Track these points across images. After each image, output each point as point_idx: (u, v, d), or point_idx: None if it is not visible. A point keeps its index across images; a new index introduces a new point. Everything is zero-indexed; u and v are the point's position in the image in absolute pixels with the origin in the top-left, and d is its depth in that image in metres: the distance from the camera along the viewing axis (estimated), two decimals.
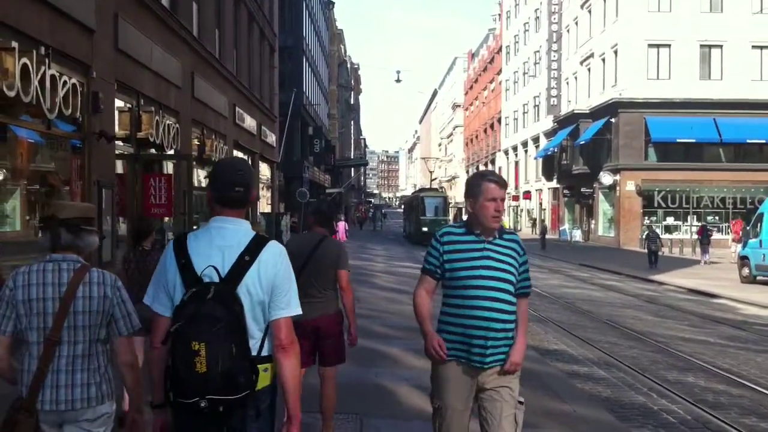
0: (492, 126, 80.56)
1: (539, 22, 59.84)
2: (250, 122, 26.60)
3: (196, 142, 19.33)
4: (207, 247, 3.20)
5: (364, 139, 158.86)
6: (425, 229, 42.09)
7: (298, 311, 3.29)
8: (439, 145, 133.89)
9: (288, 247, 3.83)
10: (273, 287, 3.19)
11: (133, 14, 14.11)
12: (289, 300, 3.25)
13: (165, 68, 16.03)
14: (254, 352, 3.14)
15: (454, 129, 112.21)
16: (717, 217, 42.00)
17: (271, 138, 32.02)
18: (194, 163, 18.47)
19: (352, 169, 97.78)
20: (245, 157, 23.25)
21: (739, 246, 24.31)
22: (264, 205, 31.21)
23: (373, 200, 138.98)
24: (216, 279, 3.10)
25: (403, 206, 73.96)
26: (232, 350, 2.97)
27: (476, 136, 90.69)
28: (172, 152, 16.31)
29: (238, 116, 24.48)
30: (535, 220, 49.08)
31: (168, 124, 15.77)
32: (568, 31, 52.68)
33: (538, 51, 59.46)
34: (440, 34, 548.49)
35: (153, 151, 15.70)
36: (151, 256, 6.82)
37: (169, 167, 16.94)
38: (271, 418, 3.32)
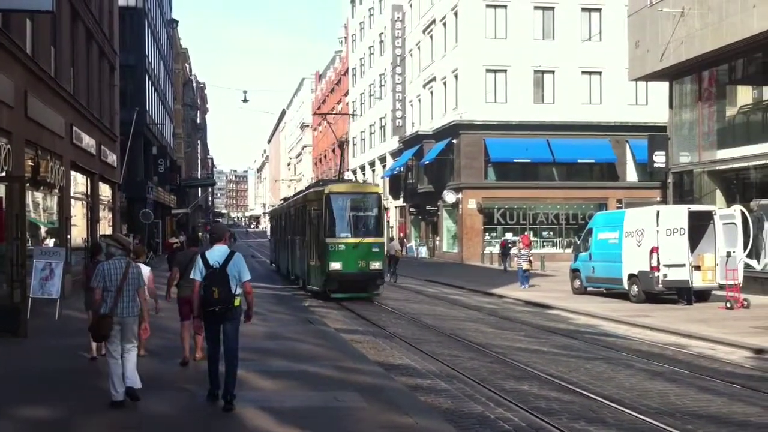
0: (341, 146, 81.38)
1: (384, 45, 61.25)
2: (89, 142, 25.64)
3: (30, 163, 18.45)
4: (213, 255, 8.38)
5: (212, 158, 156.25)
6: (337, 266, 21.79)
7: (249, 277, 8.47)
8: (288, 164, 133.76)
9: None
10: (239, 270, 8.33)
11: None
12: (245, 274, 8.37)
13: None
14: (233, 292, 8.23)
15: (303, 149, 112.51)
16: (551, 233, 44.42)
17: (112, 158, 30.94)
18: (27, 185, 17.61)
19: (199, 189, 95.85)
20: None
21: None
22: (105, 227, 30.05)
23: (221, 220, 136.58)
24: (218, 266, 8.24)
25: (270, 220, 47.92)
26: (226, 290, 8.15)
27: (325, 156, 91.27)
28: (3, 174, 15.50)
29: (75, 136, 23.53)
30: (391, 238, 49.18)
31: None
32: (411, 55, 54.24)
33: (384, 74, 60.81)
34: (287, 55, 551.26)
35: None
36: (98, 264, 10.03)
37: None
38: (238, 325, 8.48)
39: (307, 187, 31.15)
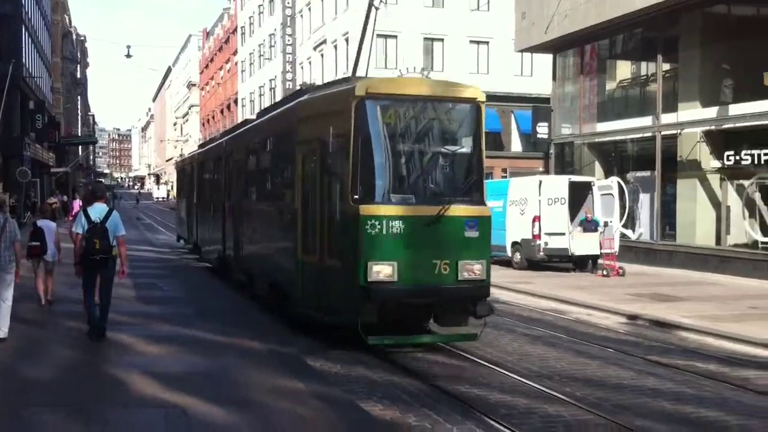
0: (229, 107, 79.84)
1: (273, 5, 60.16)
2: None
3: None
4: (94, 212, 10.04)
5: (93, 115, 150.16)
6: (385, 270, 9.45)
7: (124, 232, 10.35)
8: (174, 124, 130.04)
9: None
10: (115, 225, 10.05)
11: None
12: (120, 229, 10.14)
13: None
14: (111, 244, 9.97)
15: (189, 108, 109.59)
16: None
17: None
18: None
19: (80, 147, 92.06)
20: None
21: None
22: None
23: (103, 180, 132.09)
24: (98, 222, 9.91)
25: (179, 174, 30.14)
26: (106, 242, 9.88)
27: (213, 117, 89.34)
28: None
29: None
30: None
31: None
32: (301, 16, 53.51)
33: (273, 34, 59.79)
34: (173, 10, 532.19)
35: None
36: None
37: None
38: (113, 273, 10.27)
39: (294, 94, 14.55)
